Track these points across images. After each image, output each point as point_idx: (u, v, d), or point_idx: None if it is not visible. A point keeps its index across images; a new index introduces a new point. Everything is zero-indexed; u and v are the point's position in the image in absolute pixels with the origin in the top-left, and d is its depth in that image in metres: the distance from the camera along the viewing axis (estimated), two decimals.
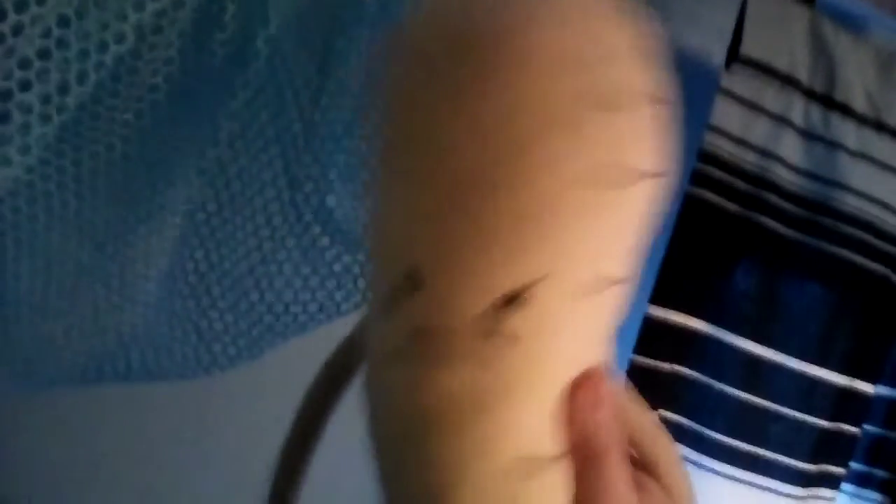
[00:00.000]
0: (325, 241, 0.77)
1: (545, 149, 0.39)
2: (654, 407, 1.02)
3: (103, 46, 0.61)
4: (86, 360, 0.76)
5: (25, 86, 0.60)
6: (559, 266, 0.40)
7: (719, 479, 1.32)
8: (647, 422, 0.47)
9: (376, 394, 0.45)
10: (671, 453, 0.48)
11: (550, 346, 0.41)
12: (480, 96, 0.39)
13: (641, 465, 0.47)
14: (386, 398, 0.44)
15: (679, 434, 1.29)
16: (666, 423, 1.11)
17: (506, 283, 0.39)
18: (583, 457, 0.43)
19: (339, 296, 0.79)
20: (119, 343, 0.75)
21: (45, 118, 0.62)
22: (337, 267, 0.78)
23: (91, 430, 1.17)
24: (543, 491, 0.42)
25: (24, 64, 0.60)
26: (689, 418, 1.29)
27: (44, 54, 0.60)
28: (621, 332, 0.48)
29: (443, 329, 0.40)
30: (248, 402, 1.19)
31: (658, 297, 1.24)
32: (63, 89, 0.62)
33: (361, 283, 0.78)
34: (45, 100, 0.62)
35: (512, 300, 0.40)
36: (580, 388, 0.43)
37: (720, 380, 1.31)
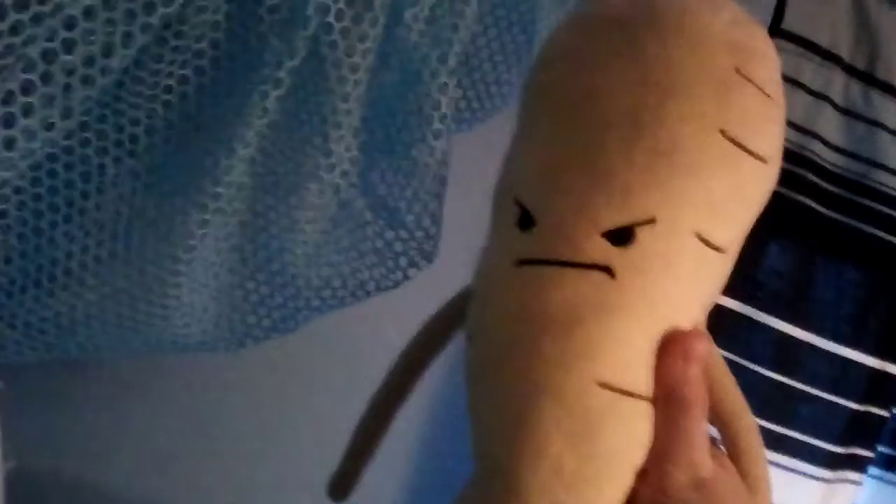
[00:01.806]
0: (369, 216, 0.75)
1: (693, 100, 0.43)
2: None
3: (150, 7, 0.60)
4: (118, 330, 0.74)
5: (70, 46, 0.58)
6: (666, 212, 0.43)
7: None
8: (737, 401, 0.47)
9: (487, 302, 0.47)
10: (755, 439, 0.47)
11: (648, 286, 0.43)
12: (657, 52, 0.44)
13: (720, 444, 0.47)
14: (493, 303, 0.46)
15: None
16: None
17: (614, 220, 0.42)
18: (667, 406, 0.44)
19: (379, 272, 0.78)
20: (151, 314, 0.74)
21: (88, 81, 0.61)
22: (379, 243, 0.77)
23: (132, 400, 1.17)
24: (627, 421, 0.43)
25: (70, 24, 0.58)
26: None
27: (89, 13, 0.58)
28: None
29: (553, 258, 0.43)
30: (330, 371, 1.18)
31: None
32: (108, 51, 0.60)
33: (403, 261, 0.77)
34: (89, 62, 0.60)
35: (618, 236, 0.42)
36: (675, 340, 0.43)
37: (752, 360, 1.29)
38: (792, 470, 1.35)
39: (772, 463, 1.32)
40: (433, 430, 1.21)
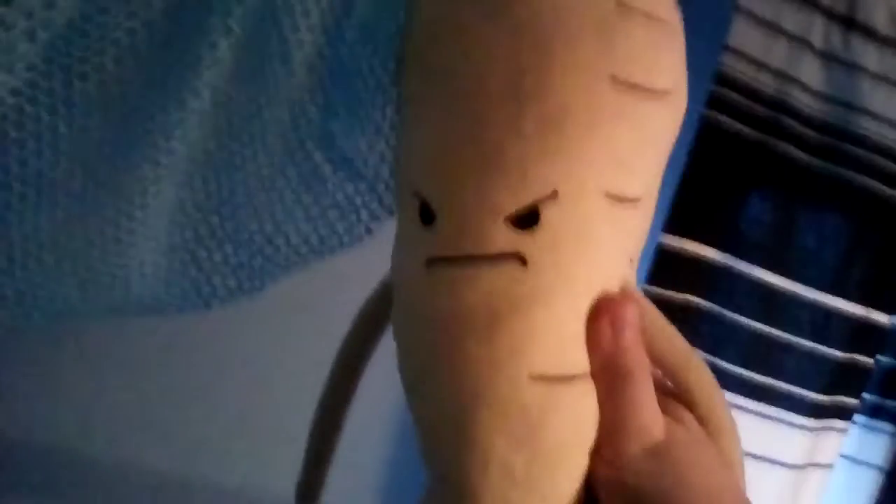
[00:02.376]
0: (328, 169, 0.73)
1: (575, 52, 0.40)
2: None
3: None
4: (79, 294, 0.73)
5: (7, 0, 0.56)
6: (568, 182, 0.40)
7: (731, 410, 1.31)
8: (686, 351, 0.46)
9: (405, 310, 0.45)
10: (707, 383, 0.46)
11: (565, 264, 0.41)
12: (528, 6, 0.41)
13: (675, 396, 0.46)
14: (410, 309, 0.44)
15: None
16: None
17: (515, 202, 0.40)
18: (606, 379, 0.42)
19: (341, 227, 0.76)
20: (112, 275, 0.72)
21: (30, 35, 0.59)
22: (340, 196, 0.75)
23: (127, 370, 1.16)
24: (570, 408, 0.42)
25: None
26: (701, 349, 1.27)
27: None
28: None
29: (458, 255, 0.41)
30: (285, 348, 1.17)
31: (671, 226, 1.21)
32: (49, 3, 0.58)
33: (365, 215, 0.75)
34: (29, 15, 0.58)
35: (523, 218, 0.40)
36: (602, 310, 0.42)
37: (734, 310, 1.28)
38: (777, 419, 1.34)
39: (756, 413, 1.32)
40: (405, 429, 1.21)
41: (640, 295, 0.45)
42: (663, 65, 0.42)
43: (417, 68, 0.46)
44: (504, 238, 0.40)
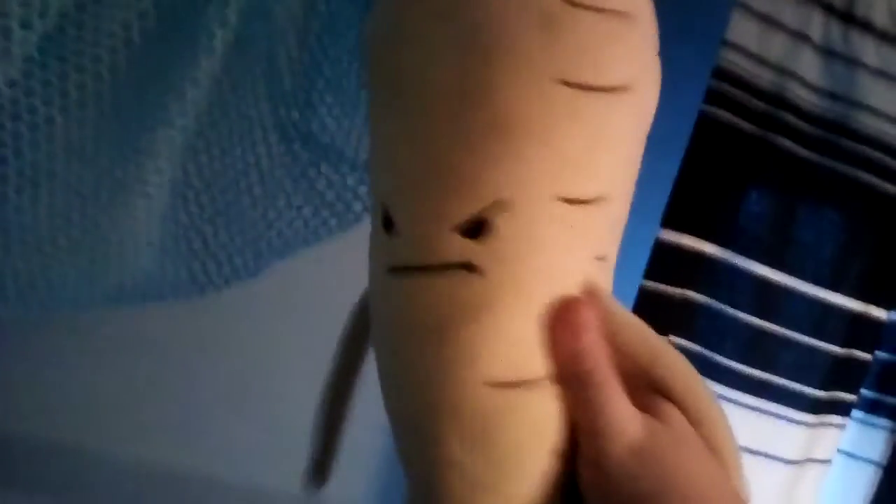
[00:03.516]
0: (317, 159, 0.74)
1: (519, 54, 0.39)
2: (664, 332, 1.00)
3: None
4: (77, 283, 0.73)
5: None
6: (518, 190, 0.39)
7: (729, 405, 1.31)
8: (657, 344, 0.45)
9: (373, 316, 0.45)
10: (682, 372, 0.45)
11: (517, 272, 0.40)
12: (467, 11, 0.39)
13: (657, 391, 0.45)
14: (378, 314, 0.44)
15: (689, 360, 1.25)
16: (676, 349, 1.11)
17: (464, 212, 0.40)
18: (570, 383, 0.42)
19: (331, 216, 0.76)
20: (109, 265, 0.72)
21: (26, 24, 0.59)
22: (329, 187, 0.75)
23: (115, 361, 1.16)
24: (525, 411, 0.42)
25: None
26: (699, 344, 1.27)
27: None
28: (631, 257, 0.46)
29: (413, 264, 0.41)
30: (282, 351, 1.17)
31: (669, 221, 1.20)
32: None
33: (356, 204, 0.75)
34: (25, 3, 0.58)
35: (474, 227, 0.40)
36: (557, 316, 0.42)
37: (732, 305, 1.28)
38: (774, 415, 1.34)
39: (754, 408, 1.32)
40: None
41: (603, 293, 0.44)
42: (616, 60, 0.41)
43: (374, 70, 0.44)
44: (454, 247, 0.40)
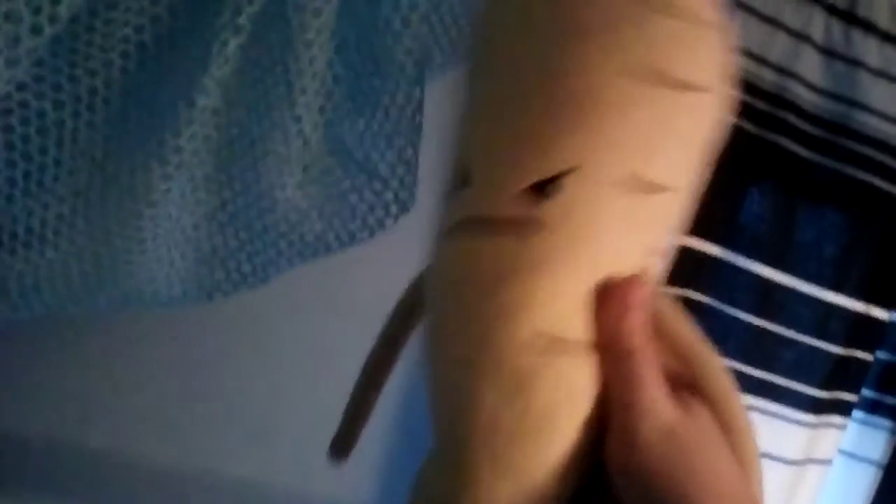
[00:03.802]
0: (338, 168, 0.73)
1: (607, 37, 0.41)
2: None
3: None
4: (83, 287, 0.73)
5: None
6: (591, 159, 0.41)
7: None
8: (697, 342, 0.46)
9: (432, 268, 0.47)
10: (721, 376, 0.46)
11: (576, 236, 0.42)
12: None
13: (689, 387, 0.46)
14: (435, 272, 0.46)
15: None
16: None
17: (537, 172, 0.41)
18: (611, 356, 0.43)
19: (353, 225, 0.76)
20: (116, 271, 0.72)
21: (36, 30, 0.58)
22: (351, 195, 0.75)
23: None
24: (564, 374, 0.43)
25: None
26: None
27: None
28: None
29: (482, 215, 0.43)
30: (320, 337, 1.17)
31: None
32: None
33: (379, 212, 0.75)
34: (36, 11, 0.58)
35: (543, 188, 0.42)
36: (610, 289, 0.43)
37: (733, 305, 1.28)
38: (775, 415, 1.35)
39: (755, 409, 1.32)
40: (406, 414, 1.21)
41: (657, 285, 0.46)
42: (702, 61, 0.43)
43: (476, 40, 0.47)
44: (522, 204, 0.42)
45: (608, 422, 0.44)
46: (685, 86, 0.42)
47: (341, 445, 0.56)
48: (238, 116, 0.69)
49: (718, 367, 0.46)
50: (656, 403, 0.43)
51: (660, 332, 0.45)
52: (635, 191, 0.42)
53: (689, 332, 0.46)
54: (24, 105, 0.65)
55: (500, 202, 0.42)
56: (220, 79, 0.64)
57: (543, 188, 0.42)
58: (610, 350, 0.43)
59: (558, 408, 0.43)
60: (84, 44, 0.64)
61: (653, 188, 0.43)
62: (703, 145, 0.45)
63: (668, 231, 0.46)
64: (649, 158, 0.42)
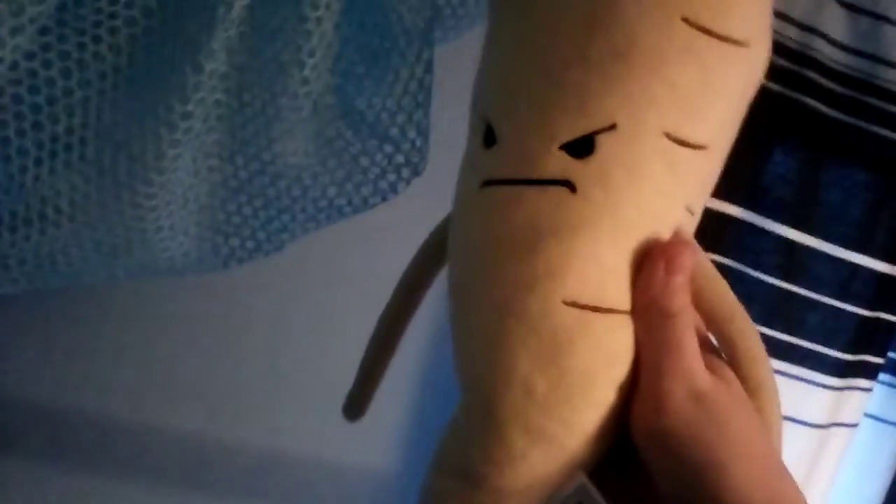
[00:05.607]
0: (348, 132, 0.73)
1: None
2: None
3: None
4: (97, 257, 0.73)
5: None
6: (627, 116, 0.40)
7: None
8: (736, 306, 0.46)
9: (456, 227, 0.46)
10: (751, 339, 0.46)
11: (613, 197, 0.41)
12: None
13: (720, 356, 0.46)
14: (462, 229, 0.46)
15: None
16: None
17: (572, 130, 0.41)
18: (650, 319, 0.43)
19: (366, 189, 0.75)
20: (129, 239, 0.72)
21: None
22: (363, 159, 0.74)
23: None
24: (601, 338, 0.42)
25: None
26: None
27: None
28: None
29: (512, 176, 0.42)
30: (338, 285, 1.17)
31: None
32: None
33: (391, 175, 0.74)
34: None
35: (578, 146, 0.41)
36: (658, 251, 0.43)
37: (756, 268, 1.27)
38: (800, 378, 1.33)
39: (779, 372, 1.31)
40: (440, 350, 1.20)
41: (695, 244, 0.45)
42: (741, 14, 0.42)
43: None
44: (557, 164, 0.41)
45: (636, 384, 0.43)
46: (726, 39, 0.42)
47: (355, 403, 0.56)
48: (247, 81, 0.68)
49: (750, 325, 0.46)
50: (691, 367, 0.42)
51: (697, 285, 0.45)
52: (672, 147, 0.42)
53: (722, 286, 0.46)
54: (32, 74, 0.65)
55: (532, 163, 0.42)
56: (227, 42, 0.64)
57: (577, 147, 0.41)
58: (649, 313, 0.43)
59: (596, 374, 0.42)
60: (91, 11, 0.63)
61: (690, 144, 0.42)
62: (742, 102, 0.45)
63: (705, 191, 0.46)
64: (689, 115, 0.42)
